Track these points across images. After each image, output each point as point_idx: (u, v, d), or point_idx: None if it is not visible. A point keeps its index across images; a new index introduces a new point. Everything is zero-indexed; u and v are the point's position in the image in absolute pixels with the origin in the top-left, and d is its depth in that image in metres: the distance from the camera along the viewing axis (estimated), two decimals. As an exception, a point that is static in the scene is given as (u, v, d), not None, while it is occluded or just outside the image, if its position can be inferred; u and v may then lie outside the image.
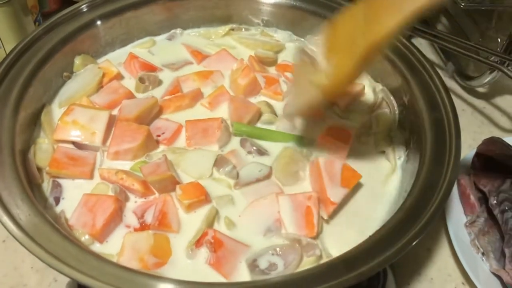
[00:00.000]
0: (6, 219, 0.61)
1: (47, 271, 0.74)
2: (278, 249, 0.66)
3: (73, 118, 0.77)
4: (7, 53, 0.93)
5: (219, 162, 0.76)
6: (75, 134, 0.76)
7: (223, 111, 0.85)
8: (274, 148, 0.79)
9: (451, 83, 1.11)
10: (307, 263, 0.66)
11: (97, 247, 0.67)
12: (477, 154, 0.86)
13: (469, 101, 1.08)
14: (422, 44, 1.17)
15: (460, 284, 0.77)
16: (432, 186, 0.67)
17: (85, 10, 0.90)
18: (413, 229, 0.62)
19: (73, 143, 0.77)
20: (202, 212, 0.71)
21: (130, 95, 0.85)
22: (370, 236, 0.63)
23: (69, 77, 0.88)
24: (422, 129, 0.76)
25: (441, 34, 1.02)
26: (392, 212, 0.66)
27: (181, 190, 0.70)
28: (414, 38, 1.11)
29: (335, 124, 0.83)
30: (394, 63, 0.86)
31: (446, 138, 0.73)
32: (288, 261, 0.65)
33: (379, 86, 0.89)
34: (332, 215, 0.71)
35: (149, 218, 0.69)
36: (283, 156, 0.77)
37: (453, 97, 0.79)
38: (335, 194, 0.69)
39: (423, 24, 1.09)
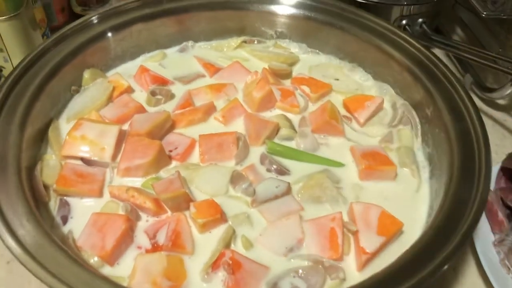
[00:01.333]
0: (10, 241, 0.58)
1: (54, 295, 0.70)
2: (300, 271, 0.62)
3: (82, 133, 0.74)
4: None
5: (235, 178, 0.72)
6: (84, 150, 0.73)
7: (237, 125, 0.82)
8: (296, 167, 0.76)
9: (470, 96, 1.07)
10: (330, 287, 0.62)
11: (107, 270, 0.63)
12: (503, 169, 0.83)
13: (489, 113, 1.04)
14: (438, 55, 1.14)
15: (492, 306, 0.72)
16: (463, 204, 0.64)
17: (95, 22, 0.88)
18: (444, 252, 0.59)
19: (82, 159, 0.74)
20: (218, 232, 0.67)
21: (141, 109, 0.82)
22: (397, 259, 0.59)
23: (77, 91, 0.86)
24: (447, 143, 0.72)
25: (458, 45, 0.99)
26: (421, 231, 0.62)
27: (195, 208, 0.66)
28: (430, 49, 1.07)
29: (357, 141, 0.81)
30: (415, 74, 0.83)
31: (474, 151, 0.69)
32: (311, 285, 0.61)
33: (399, 101, 0.86)
34: (365, 264, 0.65)
35: (161, 238, 0.65)
36: (312, 178, 0.73)
37: (473, 109, 0.76)
38: (369, 242, 0.64)
39: (439, 34, 1.06)
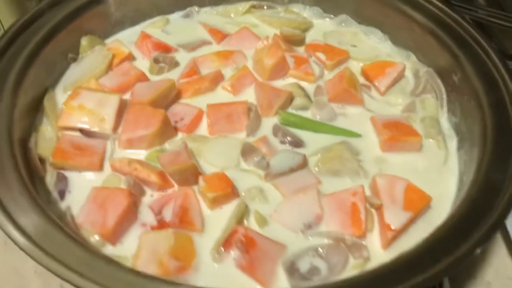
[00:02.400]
0: (3, 219, 0.53)
1: (52, 275, 0.65)
2: (320, 249, 0.57)
3: (80, 103, 0.69)
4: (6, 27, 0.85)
5: (246, 151, 0.67)
6: (82, 120, 0.68)
7: (247, 94, 0.77)
8: (312, 138, 0.71)
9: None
10: (354, 266, 0.57)
11: (109, 250, 0.58)
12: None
13: (513, 83, 0.98)
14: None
15: (524, 287, 0.67)
16: (497, 183, 0.58)
17: (92, -17, 0.82)
18: (476, 234, 0.53)
19: (80, 130, 0.69)
20: (229, 208, 0.62)
21: (143, 77, 0.77)
22: (425, 239, 0.54)
23: (74, 59, 0.80)
24: (479, 112, 0.67)
25: (481, 8, 0.93)
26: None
27: (205, 182, 0.61)
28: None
29: (378, 111, 0.75)
30: (439, 38, 0.77)
31: (510, 121, 0.63)
32: (332, 264, 0.56)
33: (423, 68, 0.80)
34: (390, 242, 0.60)
35: (167, 214, 0.61)
36: (331, 151, 0.68)
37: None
38: (395, 218, 0.59)
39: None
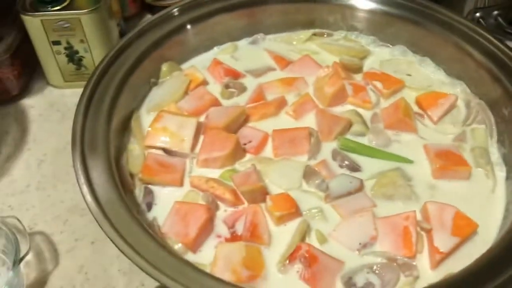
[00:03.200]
0: (104, 223, 0.62)
1: (134, 275, 0.74)
2: (375, 267, 0.63)
3: (163, 125, 0.78)
4: (95, 58, 0.97)
5: (308, 173, 0.74)
6: (165, 141, 0.77)
7: (308, 120, 0.83)
8: (368, 163, 0.77)
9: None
10: (404, 284, 0.63)
11: (190, 257, 0.66)
12: None
13: None
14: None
15: None
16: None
17: (176, 14, 0.91)
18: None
19: (163, 149, 0.77)
20: (293, 225, 0.69)
21: (216, 102, 0.85)
22: (475, 261, 0.60)
23: (155, 84, 0.89)
24: (525, 145, 0.71)
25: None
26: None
27: (272, 201, 0.69)
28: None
29: (430, 139, 0.80)
30: (492, 72, 0.81)
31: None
32: (385, 281, 0.62)
33: (474, 99, 0.84)
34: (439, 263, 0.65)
35: (239, 228, 0.68)
36: (385, 176, 0.74)
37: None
38: (444, 242, 0.65)
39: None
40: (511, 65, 0.80)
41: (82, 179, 0.67)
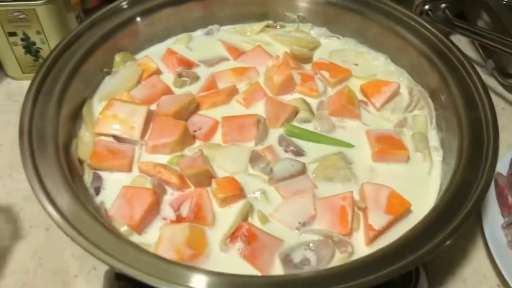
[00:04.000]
0: (51, 209, 0.63)
1: (87, 259, 0.77)
2: (311, 244, 0.66)
3: (113, 113, 0.79)
4: (51, 49, 0.97)
5: (254, 158, 0.77)
6: (115, 128, 0.78)
7: (258, 108, 0.86)
8: (312, 148, 0.80)
9: (491, 81, 1.08)
10: (339, 259, 0.66)
11: (135, 238, 0.68)
12: (517, 155, 0.85)
13: (509, 99, 1.05)
14: (461, 41, 1.15)
15: (496, 286, 0.76)
16: (468, 186, 0.67)
17: (125, 7, 0.92)
18: (447, 228, 0.62)
19: (113, 136, 0.79)
20: (237, 206, 0.72)
21: (168, 90, 0.87)
22: (403, 235, 0.63)
23: (108, 73, 0.90)
24: (459, 129, 0.75)
25: (481, 31, 1.00)
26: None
27: (217, 184, 0.71)
28: (453, 35, 1.08)
29: (373, 125, 0.84)
30: (431, 61, 0.85)
31: (483, 137, 0.72)
32: (320, 257, 0.65)
33: (416, 87, 0.88)
34: (373, 240, 0.69)
35: (185, 211, 0.71)
36: (327, 160, 0.77)
37: (493, 95, 0.78)
38: (378, 220, 0.68)
39: (462, 20, 1.07)
40: (447, 53, 0.84)
41: (29, 166, 0.68)
